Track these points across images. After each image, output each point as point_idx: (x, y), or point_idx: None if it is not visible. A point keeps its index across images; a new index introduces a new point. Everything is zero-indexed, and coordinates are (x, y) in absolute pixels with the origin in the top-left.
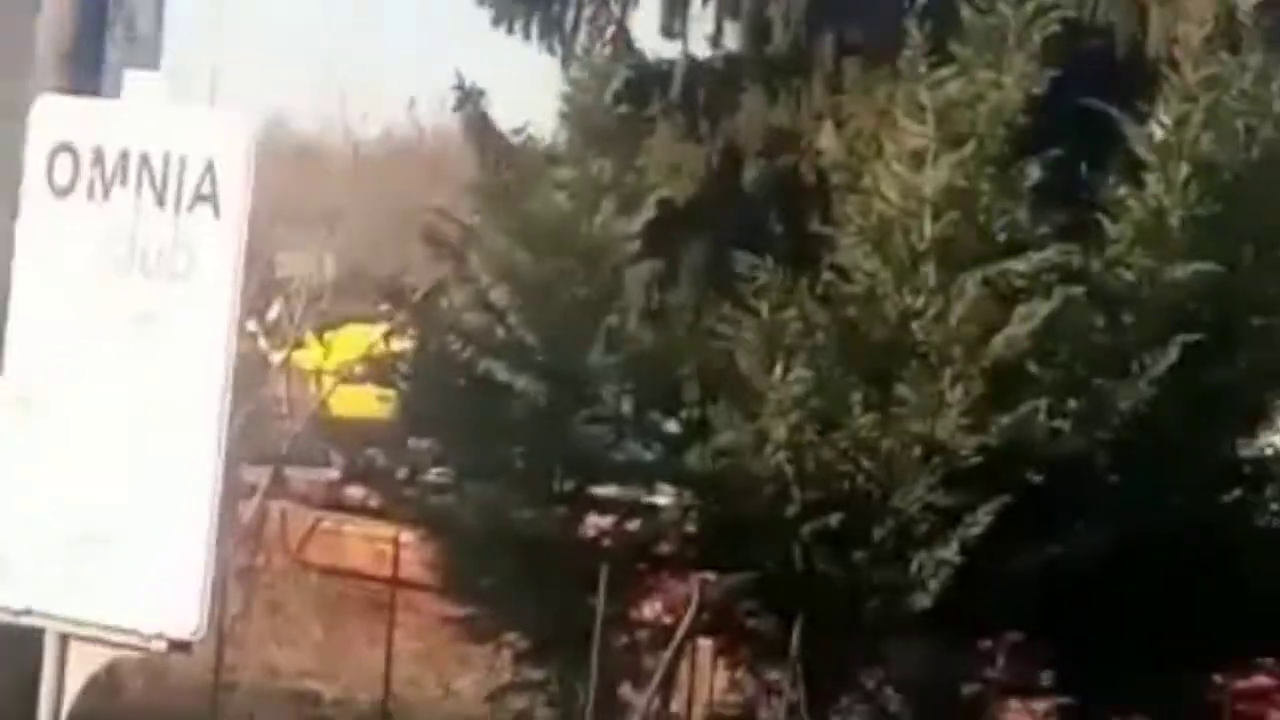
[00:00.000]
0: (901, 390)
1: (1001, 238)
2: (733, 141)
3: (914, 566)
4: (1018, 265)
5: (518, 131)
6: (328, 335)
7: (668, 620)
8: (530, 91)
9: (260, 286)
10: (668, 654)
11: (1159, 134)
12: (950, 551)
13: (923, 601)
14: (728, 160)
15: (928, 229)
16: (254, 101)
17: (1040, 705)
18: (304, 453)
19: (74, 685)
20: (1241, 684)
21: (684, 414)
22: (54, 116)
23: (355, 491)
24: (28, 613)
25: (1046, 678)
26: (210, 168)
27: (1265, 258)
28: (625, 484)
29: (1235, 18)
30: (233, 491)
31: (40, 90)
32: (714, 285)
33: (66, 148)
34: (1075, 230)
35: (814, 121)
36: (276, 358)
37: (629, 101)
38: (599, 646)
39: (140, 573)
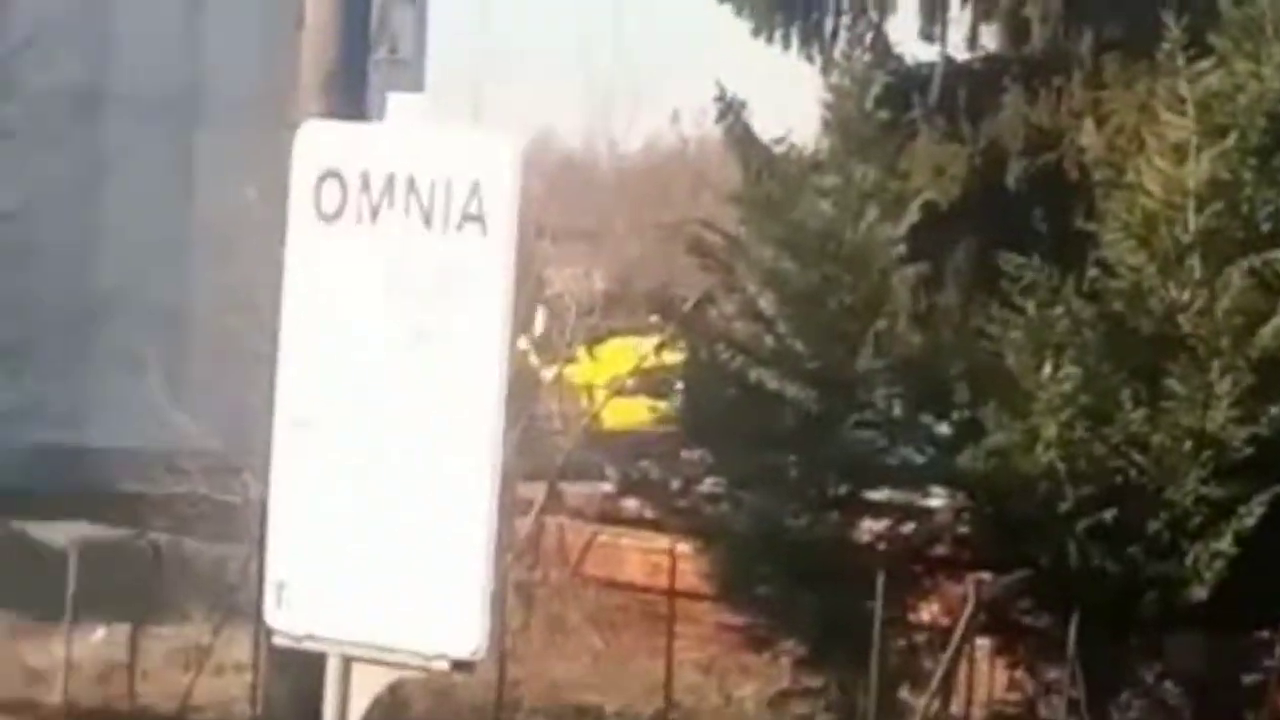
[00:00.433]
0: (1170, 384)
1: (1266, 228)
2: (994, 142)
3: (1189, 559)
4: None
5: (779, 141)
6: (598, 349)
7: (945, 622)
8: (791, 99)
9: (529, 303)
10: (946, 655)
11: None
12: (1225, 543)
13: (1199, 593)
14: (990, 161)
15: (1192, 222)
16: (518, 118)
17: None
18: (578, 467)
19: (358, 707)
20: None
21: (954, 415)
22: (319, 142)
23: (630, 504)
24: (310, 638)
25: None
26: (477, 188)
27: None
28: (898, 487)
29: None
30: (509, 508)
31: (305, 116)
32: (980, 286)
33: (333, 174)
34: None
35: (1074, 119)
36: (548, 373)
37: (889, 106)
38: (877, 650)
39: (420, 593)
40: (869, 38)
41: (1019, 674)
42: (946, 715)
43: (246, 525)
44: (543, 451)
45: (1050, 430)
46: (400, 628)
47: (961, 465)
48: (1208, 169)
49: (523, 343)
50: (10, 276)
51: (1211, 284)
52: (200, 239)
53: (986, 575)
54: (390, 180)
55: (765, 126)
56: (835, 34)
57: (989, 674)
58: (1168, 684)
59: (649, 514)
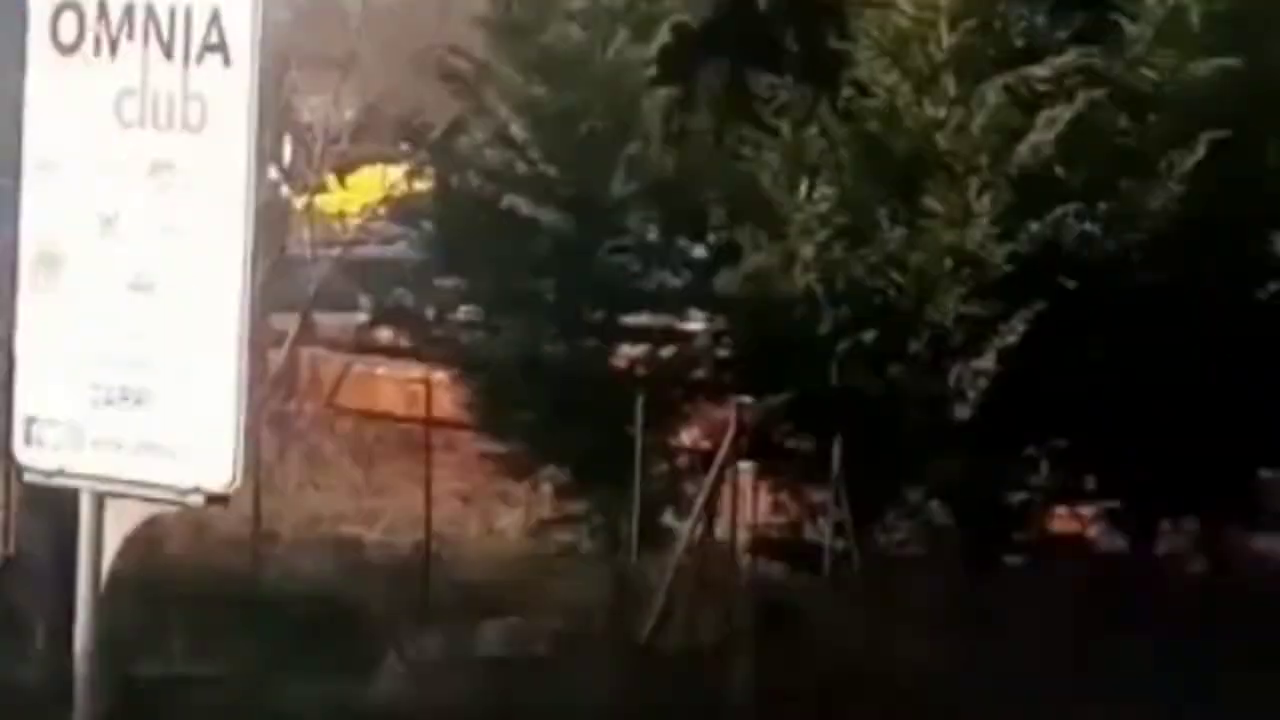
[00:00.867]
0: (929, 202)
1: (1020, 44)
2: None
3: (952, 378)
4: (1038, 71)
5: None
6: (349, 178)
7: (707, 446)
8: None
9: (277, 132)
10: (708, 479)
11: None
12: (987, 361)
13: (962, 413)
14: None
15: (945, 39)
16: None
17: (1088, 511)
18: (332, 297)
19: (112, 544)
20: None
21: (710, 238)
22: None
23: (385, 334)
24: (60, 474)
25: (1093, 483)
26: (217, 17)
27: None
28: (656, 311)
29: None
30: (261, 340)
31: None
32: (734, 107)
33: (70, 5)
34: (1094, 33)
35: None
36: (298, 203)
37: None
38: (639, 476)
39: (172, 428)
40: None
41: (783, 497)
42: (710, 539)
43: None
44: (295, 282)
45: (807, 251)
46: (153, 463)
47: (719, 288)
48: None
49: (272, 172)
50: None
51: (967, 101)
52: None
53: (748, 399)
54: (128, 10)
55: None
56: None
57: (752, 498)
58: (933, 504)
59: (405, 343)
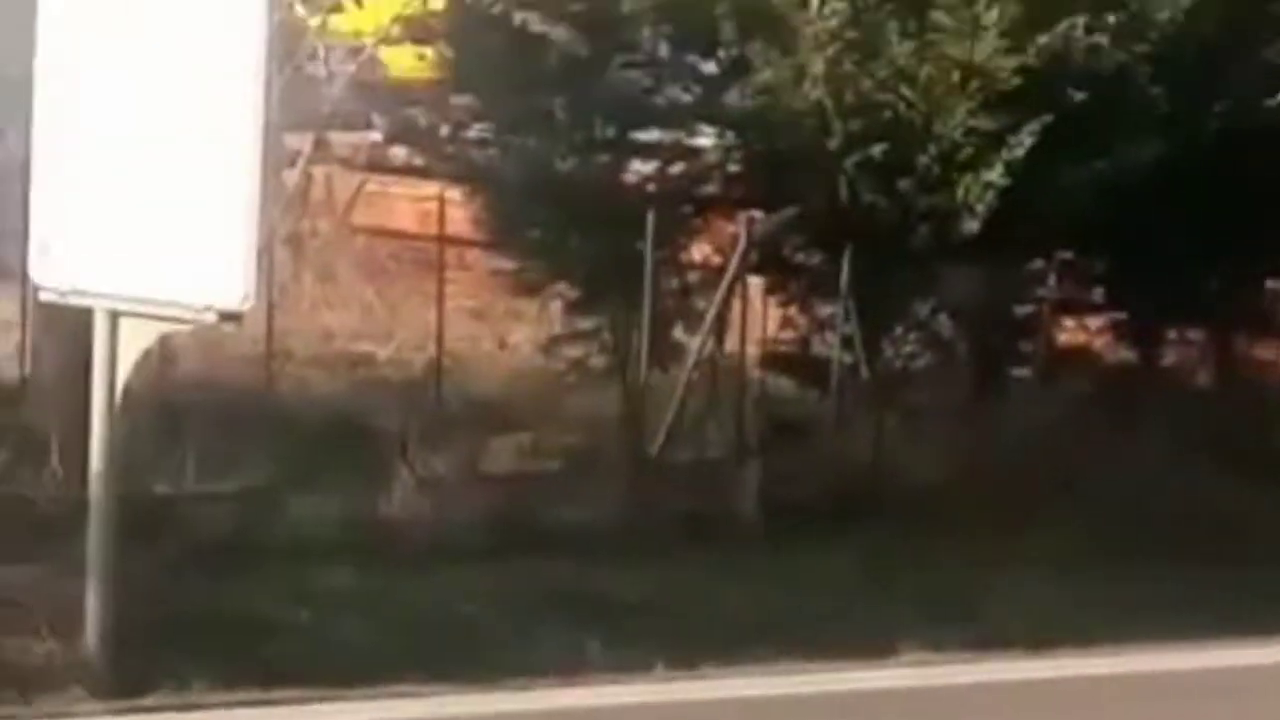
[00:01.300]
0: (937, 16)
1: None
2: None
3: (959, 191)
4: None
5: None
6: None
7: (716, 261)
8: None
9: None
10: (718, 294)
11: None
12: (995, 174)
13: (970, 226)
14: None
15: None
16: None
17: (1094, 322)
18: (346, 116)
19: (126, 362)
20: None
21: (721, 54)
22: None
23: (398, 152)
24: (75, 292)
25: (1099, 294)
26: None
27: None
28: (666, 127)
29: None
30: (275, 159)
31: None
32: None
33: None
34: None
35: None
36: (313, 22)
37: None
38: (650, 291)
39: (186, 246)
40: None
41: (792, 311)
42: (720, 354)
43: (10, 182)
44: (309, 101)
45: (817, 66)
46: (167, 281)
47: (729, 103)
48: None
49: None
50: None
51: None
52: None
53: (757, 214)
54: None
55: None
56: None
57: (762, 312)
58: (941, 317)
59: (417, 161)
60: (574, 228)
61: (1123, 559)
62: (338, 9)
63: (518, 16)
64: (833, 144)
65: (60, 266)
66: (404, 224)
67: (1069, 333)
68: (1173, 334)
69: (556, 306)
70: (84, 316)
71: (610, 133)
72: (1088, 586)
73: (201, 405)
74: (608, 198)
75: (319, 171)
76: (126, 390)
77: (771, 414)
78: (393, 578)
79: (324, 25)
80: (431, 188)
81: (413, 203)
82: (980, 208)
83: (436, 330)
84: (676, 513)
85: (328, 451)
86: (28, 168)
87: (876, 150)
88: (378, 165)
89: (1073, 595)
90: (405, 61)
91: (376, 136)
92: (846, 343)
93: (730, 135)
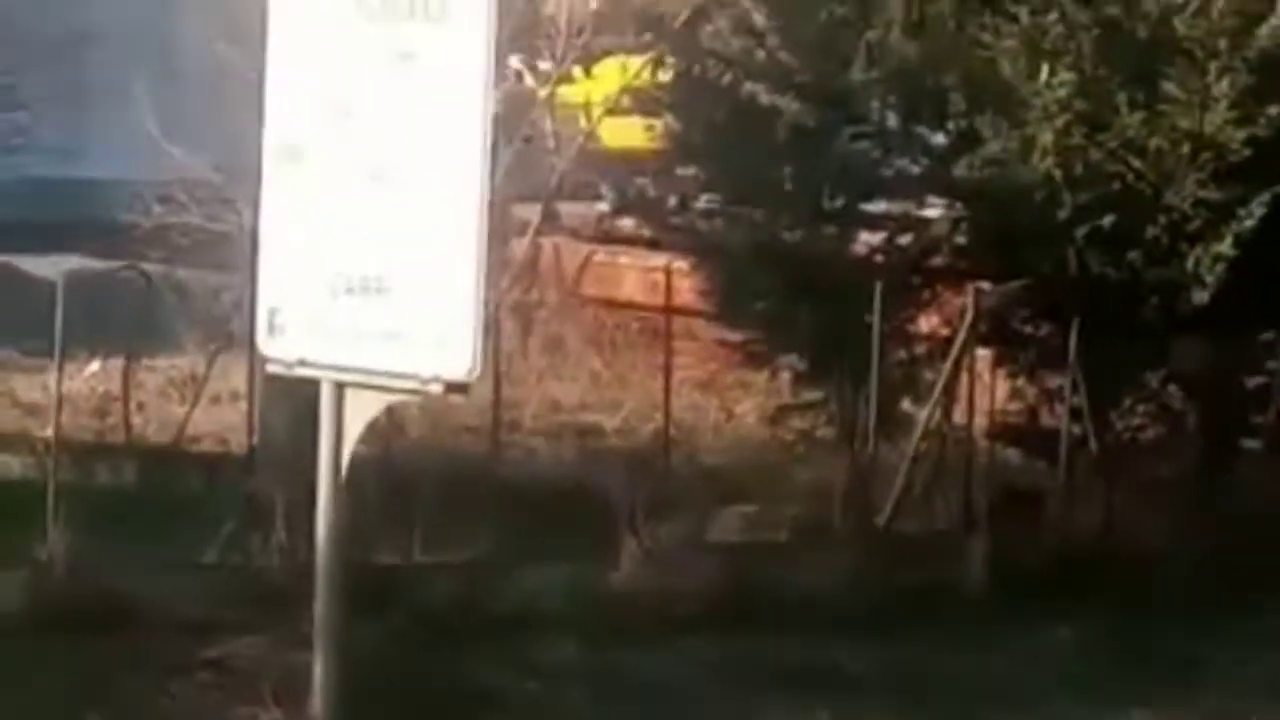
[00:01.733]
0: (1167, 87)
1: None
2: None
3: (1189, 263)
4: None
5: None
6: (593, 69)
7: (944, 333)
8: None
9: (522, 24)
10: (946, 366)
11: None
12: (1225, 245)
13: (1200, 297)
14: None
15: None
16: None
17: None
18: (574, 187)
19: (353, 433)
20: None
21: (950, 125)
22: None
23: (626, 223)
24: (302, 364)
25: None
26: None
27: None
28: (894, 198)
29: None
30: (503, 230)
31: None
32: None
33: None
34: None
35: None
36: (542, 93)
37: None
38: (877, 363)
39: (413, 316)
40: None
41: (1020, 383)
42: (949, 425)
43: (240, 254)
44: (538, 172)
45: (1046, 137)
46: (393, 352)
47: (958, 175)
48: None
49: (516, 63)
50: None
51: None
52: None
53: (985, 285)
54: None
55: None
56: None
57: (990, 384)
58: (1171, 389)
59: (645, 232)
60: (801, 299)
61: None
62: (566, 79)
63: (746, 88)
64: (1061, 215)
65: (287, 338)
66: (631, 294)
67: None
68: None
69: (784, 378)
70: (311, 387)
71: (838, 204)
72: None
73: (428, 476)
74: (835, 269)
75: (547, 242)
76: (352, 461)
77: (999, 486)
78: (619, 650)
79: (552, 96)
80: (659, 258)
81: (640, 273)
82: (1210, 279)
83: (664, 400)
84: (904, 585)
85: (554, 522)
86: (255, 241)
87: (1106, 221)
88: (605, 236)
89: None
90: (633, 133)
91: (604, 207)
92: (1075, 414)
93: (959, 206)
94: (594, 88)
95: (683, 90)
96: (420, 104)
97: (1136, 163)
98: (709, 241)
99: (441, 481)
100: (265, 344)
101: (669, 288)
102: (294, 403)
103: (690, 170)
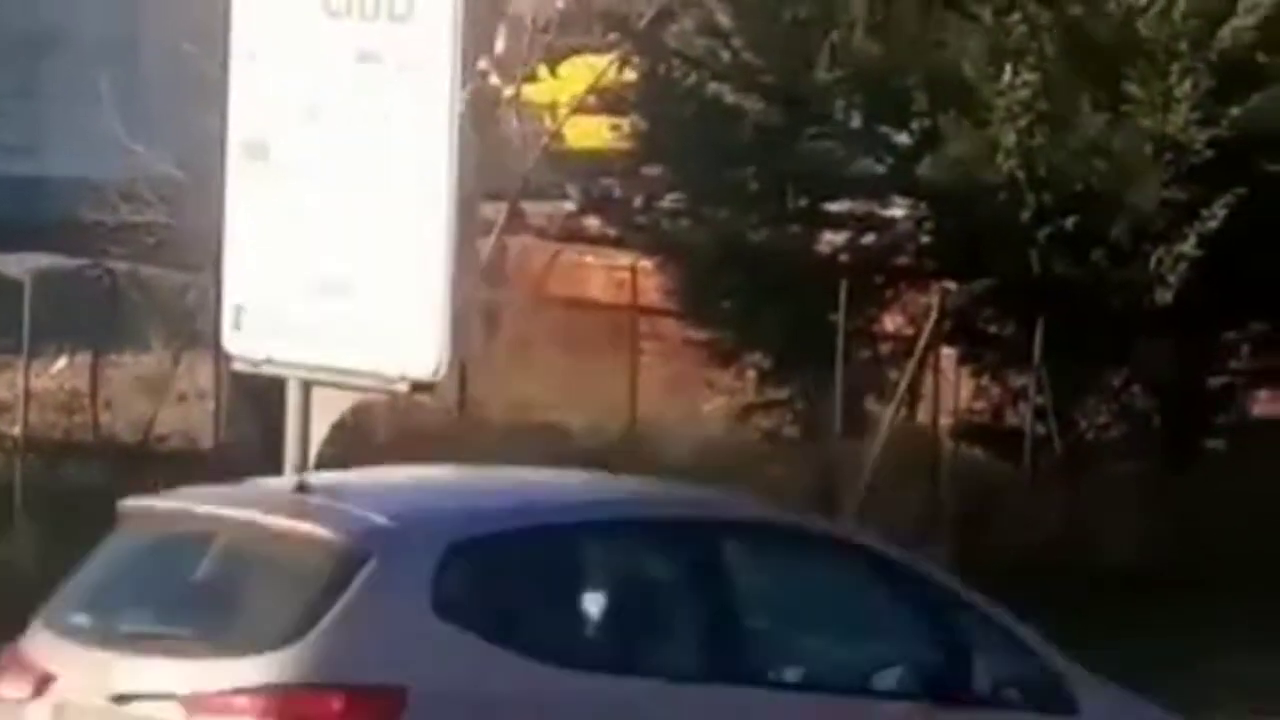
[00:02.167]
0: (1130, 88)
1: None
2: None
3: (1152, 263)
4: None
5: None
6: (559, 69)
7: (909, 332)
8: None
9: (489, 22)
10: (911, 364)
11: None
12: (1188, 246)
13: (1164, 297)
14: None
15: None
16: None
17: None
18: (540, 186)
19: (319, 431)
20: None
21: (913, 125)
22: None
23: (592, 222)
24: (268, 362)
25: None
26: None
27: None
28: (858, 198)
29: None
30: (469, 228)
31: None
32: None
33: None
34: None
35: None
36: (507, 93)
37: None
38: (842, 362)
39: (379, 316)
40: None
41: (985, 382)
42: (913, 424)
43: (205, 253)
44: (504, 171)
45: (1009, 138)
46: (359, 351)
47: (921, 174)
48: None
49: (483, 63)
50: None
51: None
52: None
53: (950, 284)
54: None
55: None
56: None
57: (955, 383)
58: (1135, 389)
59: (611, 232)
60: (766, 298)
61: None
62: (532, 79)
63: (710, 88)
64: (1025, 215)
65: (253, 336)
66: (597, 293)
67: (1262, 404)
68: None
69: (750, 376)
70: (277, 385)
71: (802, 203)
72: None
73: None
74: (800, 268)
75: (513, 241)
76: (319, 458)
77: (964, 484)
78: None
79: (518, 95)
80: (625, 257)
81: (606, 272)
82: (1173, 279)
83: (630, 399)
84: None
85: None
86: (220, 241)
87: (1069, 222)
88: (571, 235)
89: (1269, 668)
90: (599, 132)
91: (570, 206)
92: (1039, 413)
93: (922, 206)
94: (560, 88)
95: (648, 90)
96: (386, 102)
97: (1099, 163)
98: (674, 241)
99: None
100: (231, 341)
101: (635, 287)
102: (260, 401)
103: (656, 170)
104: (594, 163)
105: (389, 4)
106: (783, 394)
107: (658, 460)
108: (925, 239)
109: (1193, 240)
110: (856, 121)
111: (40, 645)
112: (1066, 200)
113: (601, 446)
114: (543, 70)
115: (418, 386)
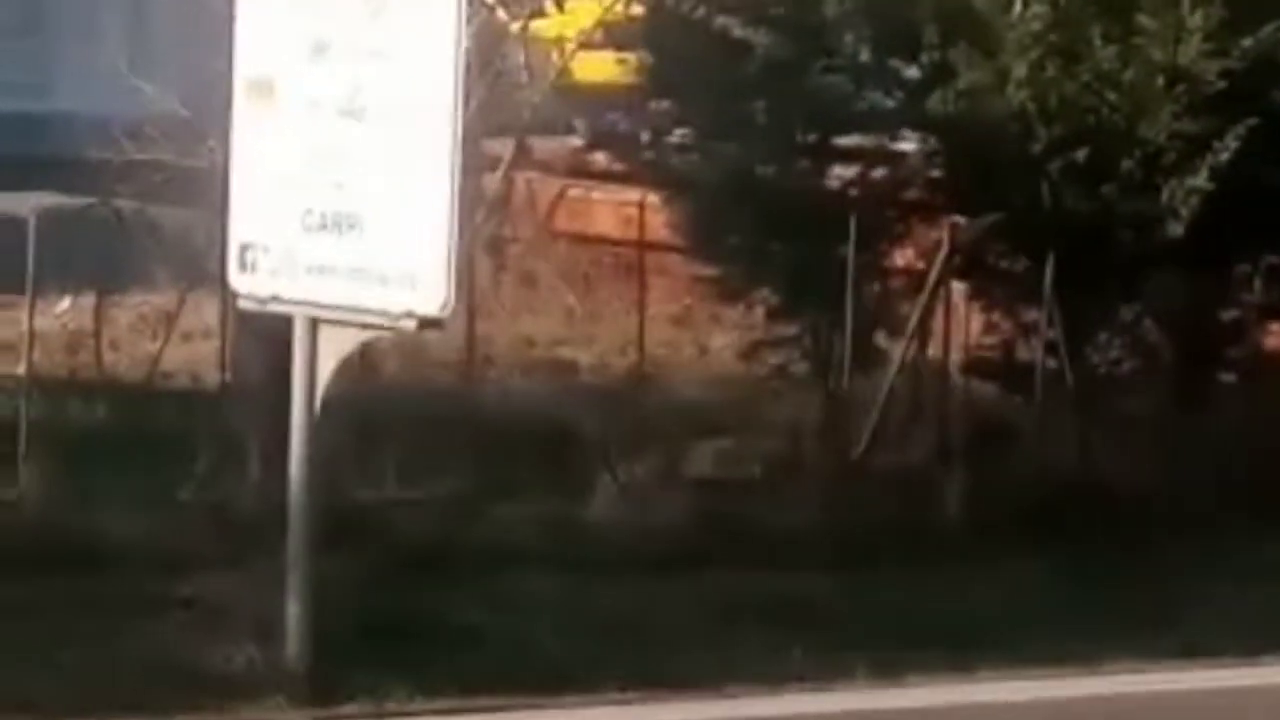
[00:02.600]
0: (1141, 19)
1: None
2: None
3: (1164, 196)
4: None
5: None
6: (565, 3)
7: (919, 267)
8: None
9: None
10: (921, 299)
11: None
12: (1200, 178)
13: (1175, 230)
14: None
15: None
16: None
17: None
18: (547, 122)
19: (326, 369)
20: None
21: (923, 58)
22: None
23: (599, 157)
24: (274, 300)
25: None
26: None
27: None
28: (868, 132)
29: None
30: (475, 165)
31: None
32: None
33: None
34: None
35: None
36: (515, 27)
37: None
38: (851, 297)
39: (385, 253)
40: None
41: (995, 317)
42: (923, 359)
43: (211, 191)
44: (510, 107)
45: (1020, 70)
46: (366, 288)
47: (931, 108)
48: None
49: None
50: None
51: None
52: None
53: (960, 219)
54: None
55: None
56: None
57: (965, 318)
58: (1146, 323)
59: (618, 167)
60: (775, 233)
61: None
62: (539, 14)
63: (718, 21)
64: (1036, 148)
65: (259, 275)
66: (604, 229)
67: (1274, 336)
68: None
69: (758, 312)
70: (284, 323)
71: (812, 138)
72: None
73: (401, 411)
74: (809, 203)
75: (520, 177)
76: (326, 397)
77: (974, 419)
78: (593, 584)
79: (525, 30)
80: (632, 193)
81: (613, 208)
82: (1184, 211)
83: (638, 336)
84: (878, 518)
85: (528, 457)
86: (227, 179)
87: (1080, 155)
88: (579, 171)
89: (1275, 602)
90: (606, 67)
91: (577, 142)
92: (1050, 348)
93: (933, 140)
94: (567, 22)
95: (656, 24)
96: (392, 38)
97: (1111, 95)
98: (682, 176)
99: (415, 418)
100: (237, 280)
101: (642, 223)
102: (266, 339)
103: (663, 104)
104: (601, 98)
105: None
106: (791, 330)
107: (665, 397)
108: (935, 173)
109: (1204, 173)
110: (866, 55)
111: None
112: (1077, 133)
113: (608, 383)
114: (550, 4)
115: (425, 323)
